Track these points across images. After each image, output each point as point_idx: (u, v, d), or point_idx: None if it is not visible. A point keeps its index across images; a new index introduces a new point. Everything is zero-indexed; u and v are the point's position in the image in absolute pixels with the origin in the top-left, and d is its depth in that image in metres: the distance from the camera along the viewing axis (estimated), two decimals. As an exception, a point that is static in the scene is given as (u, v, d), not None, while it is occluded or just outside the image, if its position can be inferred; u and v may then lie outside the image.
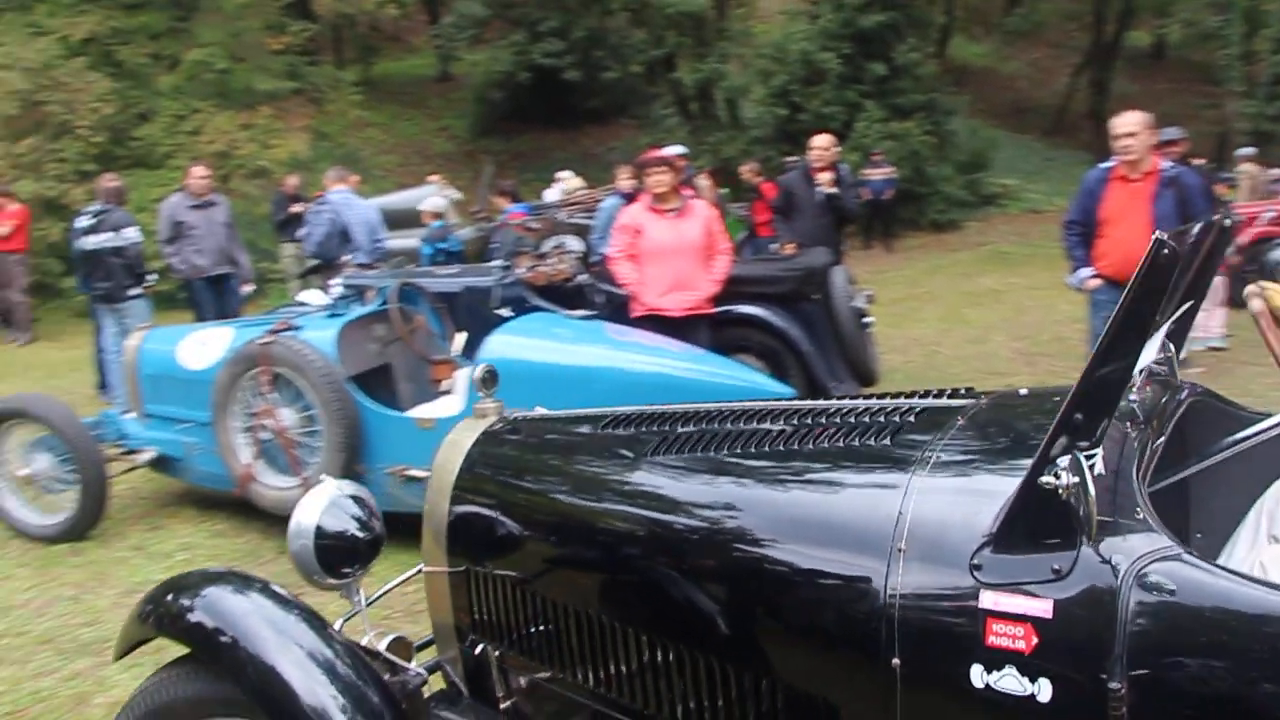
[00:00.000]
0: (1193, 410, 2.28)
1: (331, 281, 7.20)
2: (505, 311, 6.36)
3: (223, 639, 2.20)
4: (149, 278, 8.80)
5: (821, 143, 8.31)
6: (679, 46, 22.05)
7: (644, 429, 2.41)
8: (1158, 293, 1.62)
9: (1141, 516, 1.60)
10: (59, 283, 15.88)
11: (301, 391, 5.44)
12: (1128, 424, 1.95)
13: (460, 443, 2.63)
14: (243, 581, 2.38)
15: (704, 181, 10.32)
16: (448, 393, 5.67)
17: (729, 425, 2.25)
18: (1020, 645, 1.58)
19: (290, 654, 2.15)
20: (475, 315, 6.40)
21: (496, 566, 2.43)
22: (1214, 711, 1.45)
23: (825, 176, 8.09)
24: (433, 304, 6.32)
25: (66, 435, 5.62)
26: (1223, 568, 1.52)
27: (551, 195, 13.49)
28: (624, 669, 2.14)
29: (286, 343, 5.48)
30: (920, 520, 1.73)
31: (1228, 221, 2.24)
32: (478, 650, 2.52)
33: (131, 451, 6.11)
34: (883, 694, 1.70)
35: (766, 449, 2.10)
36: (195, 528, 5.98)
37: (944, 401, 2.13)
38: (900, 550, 1.70)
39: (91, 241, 8.34)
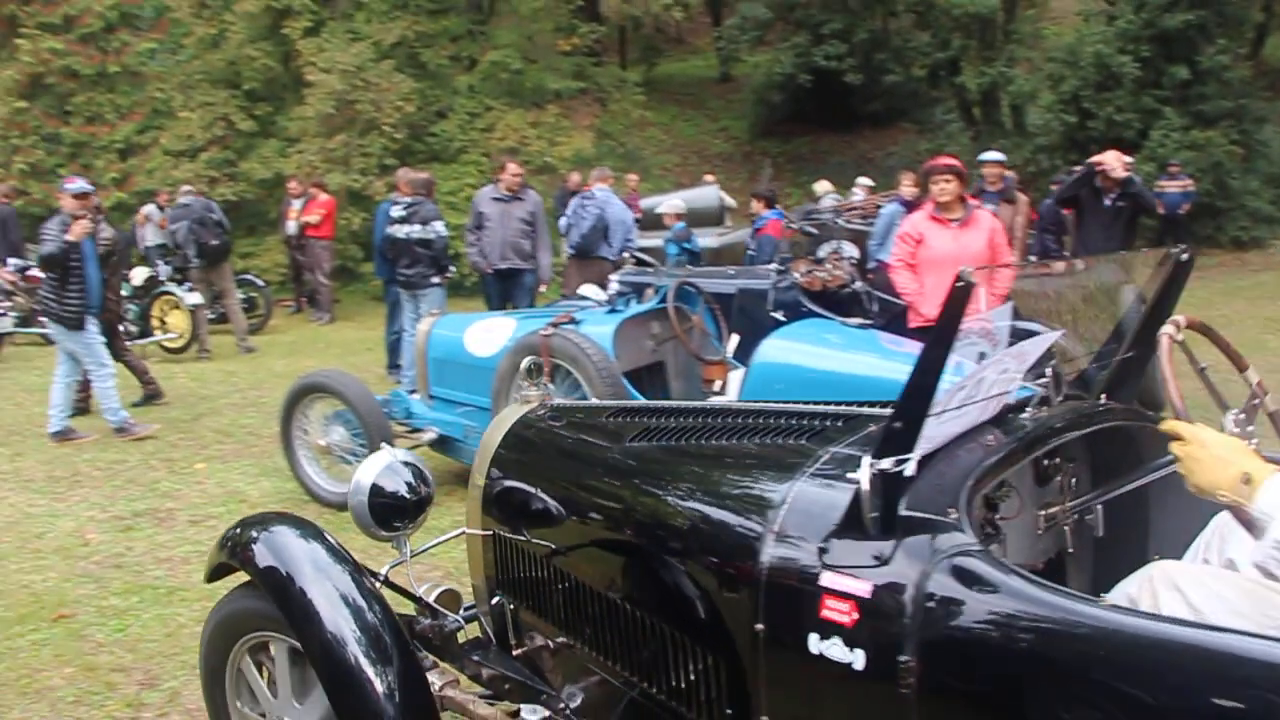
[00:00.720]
0: (1125, 431, 2.50)
1: (611, 278, 7.40)
2: (779, 315, 6.36)
3: (272, 569, 2.63)
4: (449, 269, 9.32)
5: (1112, 161, 7.59)
6: (964, 49, 21.40)
7: (641, 419, 2.81)
8: (955, 319, 1.91)
9: (955, 517, 1.84)
10: (359, 268, 17.09)
11: (579, 383, 5.61)
12: (991, 436, 2.22)
13: (503, 423, 3.08)
14: (299, 525, 2.78)
15: (1023, 196, 9.84)
16: (719, 394, 5.73)
17: (705, 420, 2.65)
18: (845, 619, 1.85)
19: (322, 588, 2.55)
20: (749, 318, 6.42)
21: (516, 533, 2.86)
22: (989, 691, 1.71)
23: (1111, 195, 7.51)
24: (709, 304, 6.40)
25: (361, 411, 5.95)
26: (1017, 569, 1.72)
27: (826, 201, 13.36)
28: (602, 629, 2.53)
29: (566, 335, 5.67)
30: (797, 508, 2.04)
31: (1184, 256, 2.44)
32: (500, 605, 2.98)
33: (416, 430, 6.46)
34: (751, 654, 2.03)
35: (714, 440, 2.50)
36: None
37: (865, 411, 2.42)
38: (775, 532, 2.02)
39: (401, 231, 8.87)
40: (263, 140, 18.86)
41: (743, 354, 5.72)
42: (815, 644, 1.89)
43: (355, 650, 2.45)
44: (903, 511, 1.88)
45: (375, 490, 2.87)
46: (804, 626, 1.91)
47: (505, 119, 17.99)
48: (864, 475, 1.87)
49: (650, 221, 12.15)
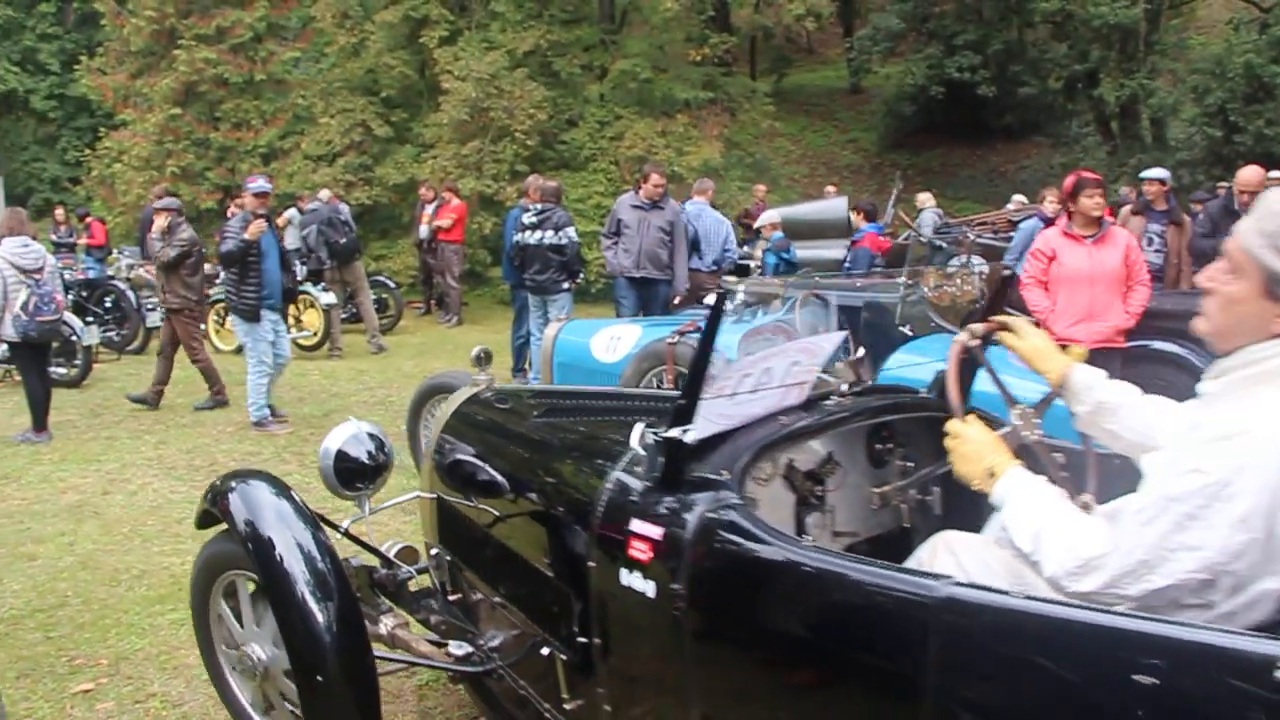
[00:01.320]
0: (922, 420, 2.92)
1: (739, 288, 7.40)
2: (906, 330, 6.28)
3: (242, 517, 3.11)
4: (579, 275, 9.43)
5: (1250, 178, 7.54)
6: (1104, 60, 20.79)
7: (548, 400, 3.49)
8: (716, 317, 2.39)
9: (727, 479, 2.29)
10: (487, 272, 17.42)
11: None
12: (789, 418, 2.64)
13: (454, 402, 3.64)
14: (272, 483, 3.25)
15: (1187, 218, 9.52)
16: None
17: (591, 402, 3.37)
18: (644, 557, 2.33)
19: (281, 535, 3.03)
20: (876, 331, 6.36)
21: (455, 497, 3.38)
22: (740, 614, 2.20)
23: None
24: (840, 316, 6.33)
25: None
26: (771, 527, 2.14)
27: (926, 214, 13.18)
28: (510, 580, 3.08)
29: (691, 344, 5.70)
30: (628, 471, 2.53)
31: (1005, 271, 3.04)
32: (439, 558, 3.56)
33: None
34: (585, 585, 2.53)
35: (588, 417, 3.20)
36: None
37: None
38: (609, 488, 2.54)
39: (533, 237, 9.03)
40: (398, 146, 19.38)
41: (870, 368, 5.66)
42: (625, 577, 2.38)
43: (303, 588, 2.92)
44: (694, 474, 2.35)
45: (340, 456, 3.44)
46: (620, 564, 2.40)
47: (634, 128, 18.15)
48: (634, 440, 2.41)
49: (806, 231, 12.08)
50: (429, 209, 15.04)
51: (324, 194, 14.18)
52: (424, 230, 15.06)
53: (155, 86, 19.74)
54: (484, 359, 3.75)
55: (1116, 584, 1.76)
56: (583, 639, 2.58)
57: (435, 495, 3.52)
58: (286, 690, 3.16)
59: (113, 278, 13.63)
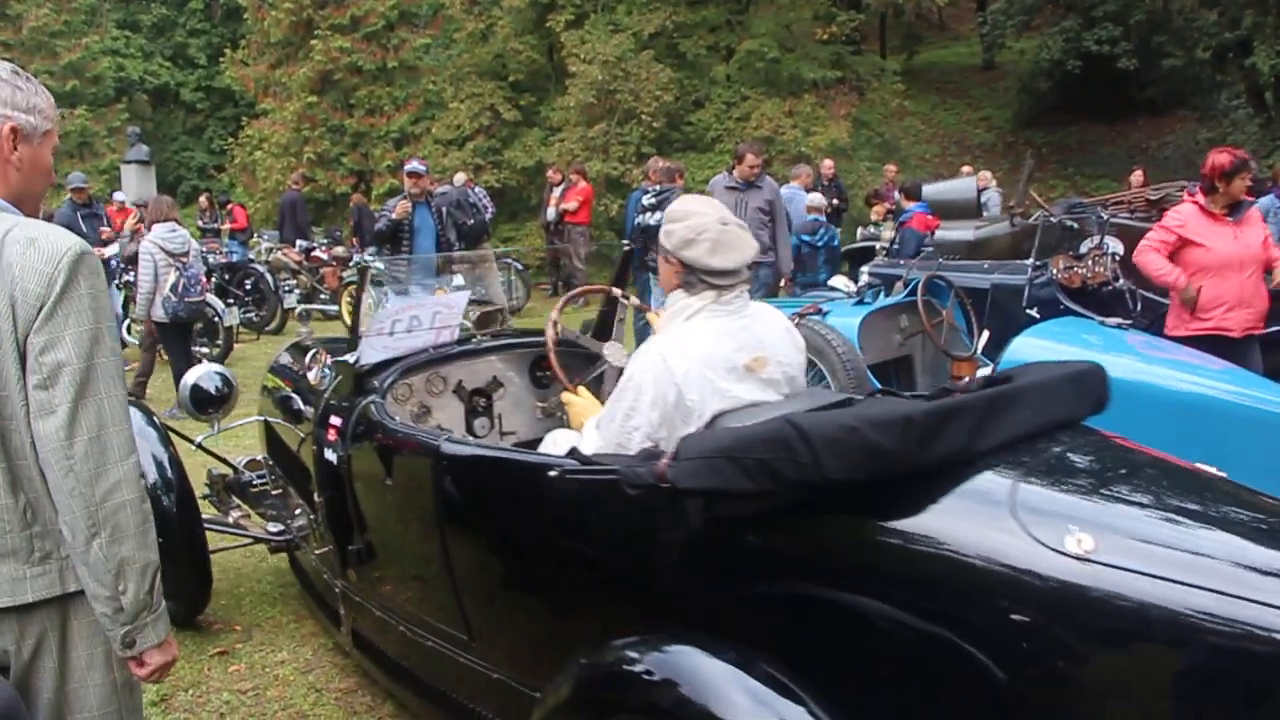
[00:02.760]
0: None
1: (863, 269, 7.34)
2: (1034, 312, 6.13)
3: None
4: None
5: None
6: (1257, 27, 19.75)
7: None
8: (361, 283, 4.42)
9: (377, 387, 3.58)
10: (613, 253, 17.48)
11: (824, 374, 5.59)
12: (433, 350, 3.97)
13: (281, 347, 5.02)
14: (140, 409, 4.41)
15: None
16: (967, 391, 5.58)
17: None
18: (333, 437, 3.58)
19: (142, 444, 3.79)
20: (1004, 313, 6.23)
21: (273, 419, 4.61)
22: (370, 469, 3.40)
23: None
24: (960, 299, 6.23)
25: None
26: (388, 414, 3.35)
27: (989, 193, 13.00)
28: (293, 472, 4.38)
29: (812, 325, 5.66)
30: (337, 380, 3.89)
31: (626, 246, 4.62)
32: (269, 464, 4.86)
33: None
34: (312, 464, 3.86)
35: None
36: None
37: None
38: (329, 394, 3.82)
39: (653, 218, 9.06)
40: (526, 129, 19.64)
41: (994, 352, 5.55)
42: (327, 452, 3.64)
43: (153, 477, 4.17)
44: (366, 385, 3.62)
45: (194, 389, 4.79)
46: (323, 445, 3.66)
47: (760, 108, 18.00)
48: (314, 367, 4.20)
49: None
50: (556, 191, 15.20)
51: (459, 177, 14.50)
52: (551, 213, 15.23)
53: (293, 76, 20.42)
54: (305, 316, 6.10)
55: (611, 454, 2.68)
56: (317, 499, 3.83)
57: (264, 419, 4.83)
58: None
59: (253, 261, 14.14)
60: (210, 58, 26.42)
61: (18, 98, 2.04)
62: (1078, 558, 1.74)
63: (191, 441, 4.83)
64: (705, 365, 2.64)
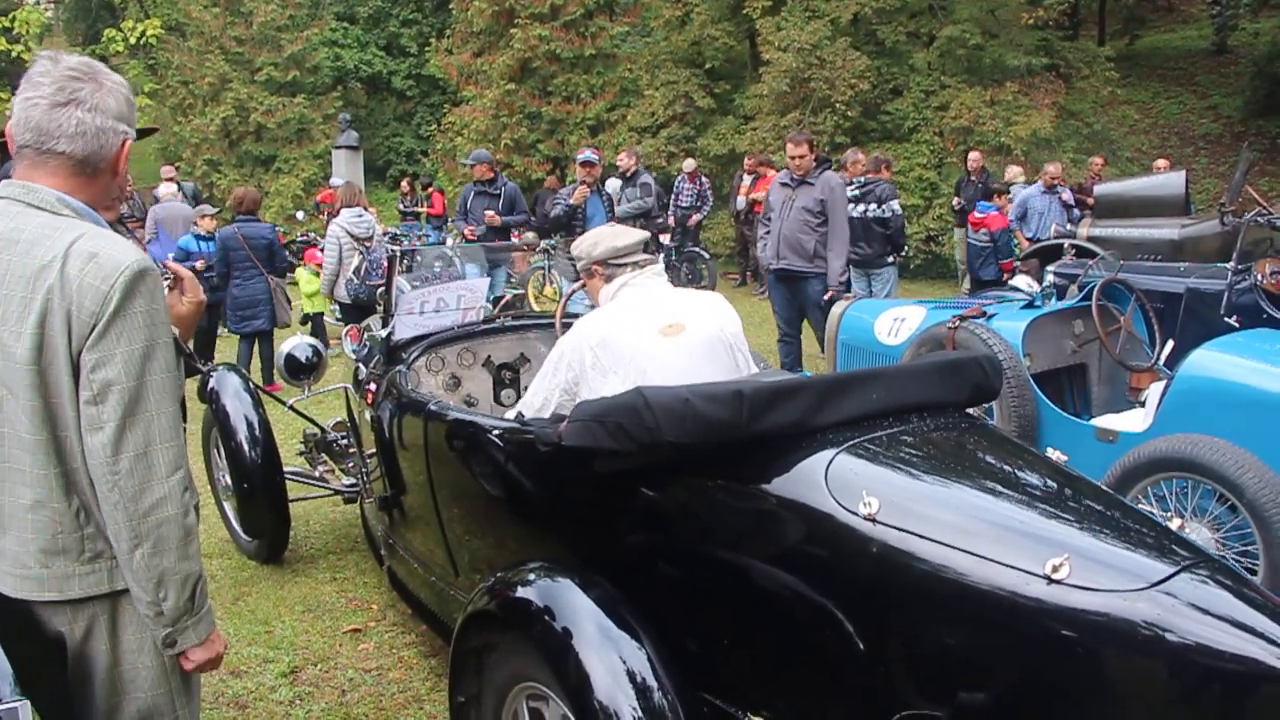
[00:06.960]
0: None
1: (1049, 269, 6.93)
2: (1233, 321, 5.58)
3: (214, 392, 5.24)
4: (903, 249, 9.15)
5: None
6: None
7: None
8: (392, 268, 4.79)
9: (405, 358, 4.38)
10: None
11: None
12: (461, 329, 4.77)
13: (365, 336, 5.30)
14: (237, 373, 5.34)
15: None
16: (1143, 404, 5.13)
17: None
18: (371, 399, 4.29)
19: (234, 404, 5.11)
20: (1197, 321, 5.69)
21: (355, 393, 4.91)
22: (396, 427, 3.96)
23: None
24: (1142, 304, 5.75)
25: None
26: (407, 385, 3.97)
27: (1016, 188, 12.20)
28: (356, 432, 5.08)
29: (972, 329, 5.36)
30: (373, 354, 4.75)
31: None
32: (348, 427, 5.42)
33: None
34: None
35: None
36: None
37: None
38: (373, 365, 4.59)
39: (855, 210, 8.76)
40: (720, 117, 19.49)
41: (1175, 363, 5.07)
42: (367, 413, 4.30)
43: (242, 433, 4.98)
44: (400, 356, 4.38)
45: (289, 357, 5.48)
46: (363, 407, 4.41)
47: (960, 97, 17.24)
48: (375, 330, 4.86)
49: (1106, 208, 11.18)
50: (746, 180, 15.01)
51: (689, 163, 14.76)
52: (741, 202, 15.04)
53: (493, 64, 20.88)
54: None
55: (539, 414, 3.19)
56: (365, 454, 4.59)
57: (345, 386, 5.31)
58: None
59: (442, 244, 14.50)
60: (420, 46, 27.30)
61: (126, 110, 2.06)
62: (866, 517, 2.07)
63: (283, 403, 5.62)
64: (622, 329, 3.15)
